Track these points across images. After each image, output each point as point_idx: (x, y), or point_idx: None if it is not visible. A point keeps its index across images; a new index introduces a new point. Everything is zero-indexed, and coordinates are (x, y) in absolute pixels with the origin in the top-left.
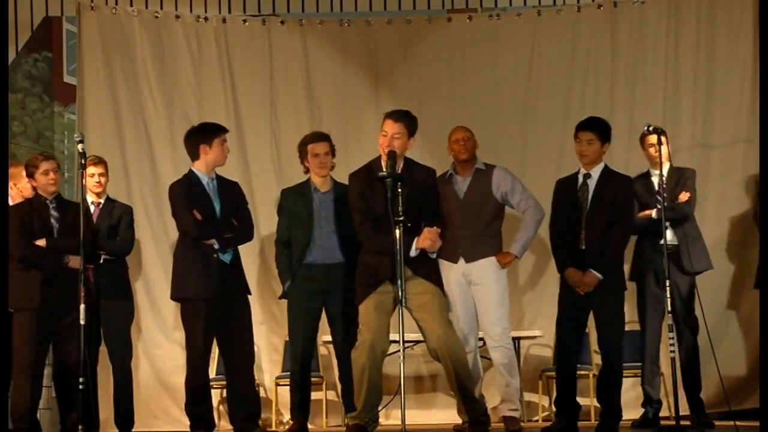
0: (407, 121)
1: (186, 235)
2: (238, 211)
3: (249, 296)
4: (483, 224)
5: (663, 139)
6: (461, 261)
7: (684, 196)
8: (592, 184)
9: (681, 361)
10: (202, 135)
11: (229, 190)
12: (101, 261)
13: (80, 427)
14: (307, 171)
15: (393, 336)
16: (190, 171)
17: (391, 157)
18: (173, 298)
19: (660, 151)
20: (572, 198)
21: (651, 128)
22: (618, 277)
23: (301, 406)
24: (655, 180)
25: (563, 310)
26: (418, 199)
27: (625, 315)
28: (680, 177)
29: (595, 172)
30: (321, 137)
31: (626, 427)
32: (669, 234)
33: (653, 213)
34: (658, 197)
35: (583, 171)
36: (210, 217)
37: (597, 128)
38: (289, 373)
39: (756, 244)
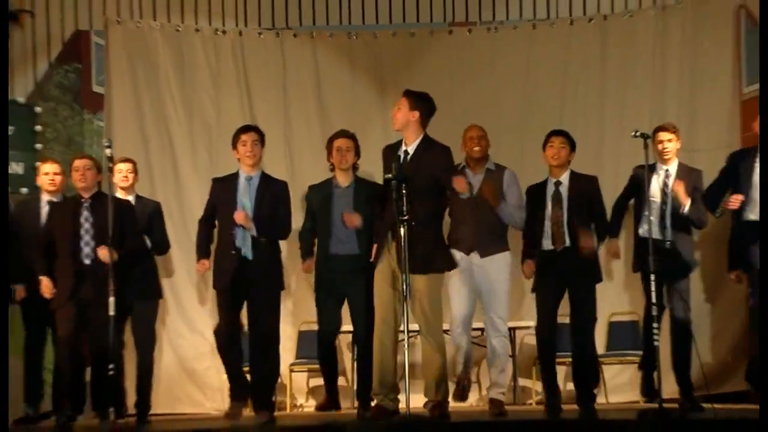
0: (412, 96)
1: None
2: (277, 209)
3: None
4: (495, 220)
5: (674, 136)
6: (474, 254)
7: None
8: (564, 190)
9: (676, 349)
10: (232, 140)
11: (269, 189)
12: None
13: (111, 409)
14: (332, 168)
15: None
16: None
17: (397, 160)
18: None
19: (647, 148)
20: (542, 203)
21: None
22: (592, 269)
23: (331, 381)
24: (661, 176)
25: (538, 301)
26: (437, 174)
27: (596, 306)
28: (689, 178)
29: (564, 178)
30: (344, 134)
31: (630, 410)
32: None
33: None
34: (665, 192)
35: (552, 179)
36: (227, 213)
37: (567, 135)
38: (302, 360)
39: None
